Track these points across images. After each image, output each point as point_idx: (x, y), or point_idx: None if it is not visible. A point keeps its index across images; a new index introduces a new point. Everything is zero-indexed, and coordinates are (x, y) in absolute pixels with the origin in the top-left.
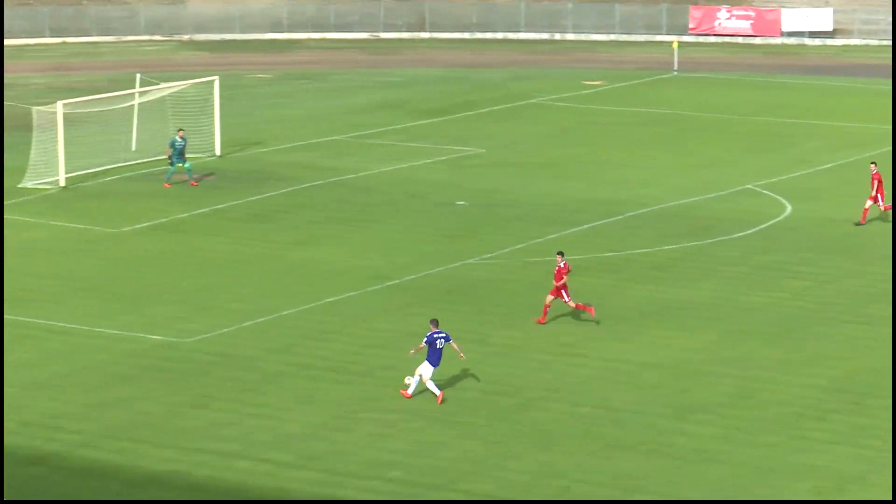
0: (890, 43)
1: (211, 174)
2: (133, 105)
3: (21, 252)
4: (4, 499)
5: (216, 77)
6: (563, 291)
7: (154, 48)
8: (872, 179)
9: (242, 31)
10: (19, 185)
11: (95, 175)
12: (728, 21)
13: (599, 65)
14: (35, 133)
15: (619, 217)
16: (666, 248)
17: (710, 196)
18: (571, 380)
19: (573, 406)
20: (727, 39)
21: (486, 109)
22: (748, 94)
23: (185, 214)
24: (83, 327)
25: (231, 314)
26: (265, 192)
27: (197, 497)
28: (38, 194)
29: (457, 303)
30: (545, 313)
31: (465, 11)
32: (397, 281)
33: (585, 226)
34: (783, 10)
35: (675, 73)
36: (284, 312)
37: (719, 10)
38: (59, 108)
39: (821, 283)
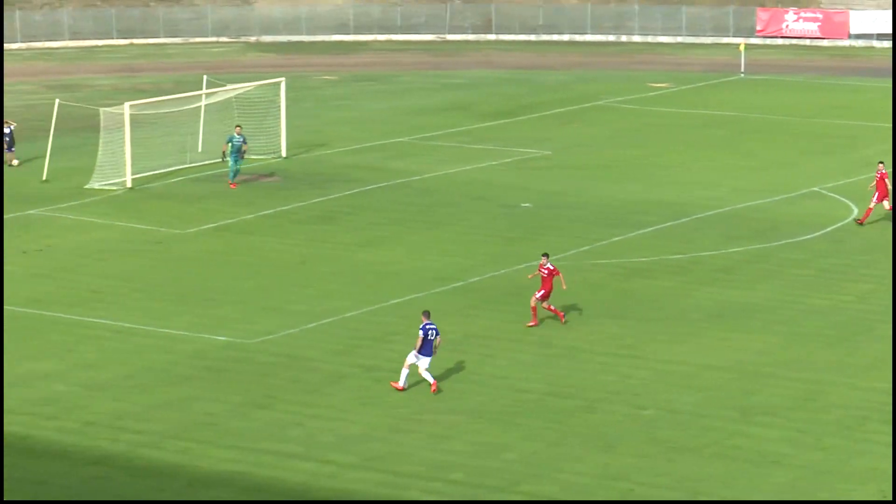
0: None
1: (272, 175)
2: (200, 106)
3: (86, 252)
4: (4, 499)
5: (282, 79)
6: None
7: (221, 50)
8: (881, 179)
9: (309, 33)
10: (86, 186)
11: (162, 176)
12: (796, 23)
13: (665, 67)
14: (102, 134)
15: (684, 219)
16: (731, 250)
17: (775, 198)
18: (633, 382)
19: (635, 408)
20: (794, 42)
21: (552, 111)
22: (814, 96)
23: (251, 216)
24: (147, 328)
25: (295, 315)
26: (330, 193)
27: (260, 498)
28: (105, 195)
29: (520, 304)
30: (534, 315)
31: (531, 13)
32: (461, 283)
33: (650, 228)
34: (851, 12)
35: (742, 75)
36: (348, 314)
37: (787, 12)
38: (126, 109)
39: (886, 287)
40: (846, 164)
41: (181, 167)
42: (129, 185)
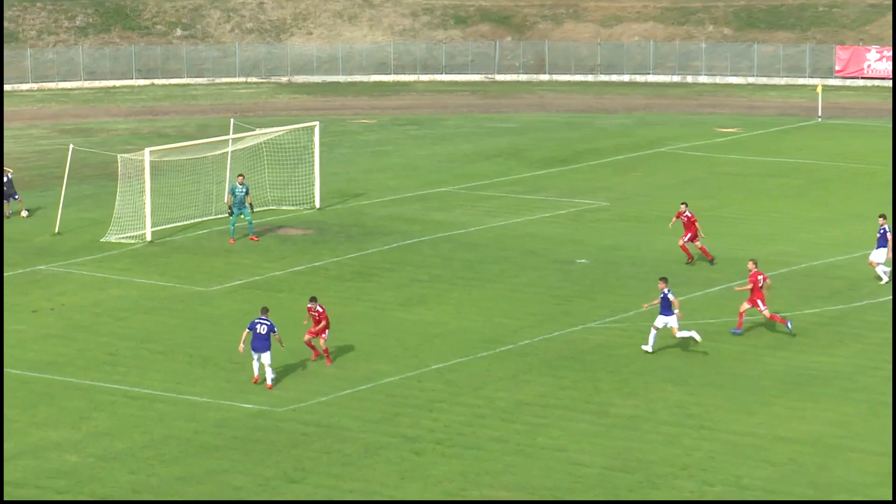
0: None
1: (283, 227)
2: (226, 153)
3: (102, 311)
4: (4, 499)
5: (316, 122)
6: None
7: (250, 91)
8: (686, 222)
9: (345, 73)
10: (102, 239)
11: (184, 229)
12: (878, 62)
13: (734, 110)
14: (120, 182)
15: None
16: (805, 311)
17: (854, 255)
18: (700, 455)
19: (703, 484)
20: (877, 83)
21: (611, 158)
22: None
23: (281, 272)
24: (167, 393)
25: (328, 380)
26: (367, 247)
27: None
28: (123, 249)
29: (574, 370)
30: None
31: (588, 52)
32: (510, 346)
33: (717, 287)
34: None
35: (819, 119)
36: (387, 379)
37: (868, 50)
38: (147, 155)
39: None
40: None
41: (206, 219)
42: (148, 238)
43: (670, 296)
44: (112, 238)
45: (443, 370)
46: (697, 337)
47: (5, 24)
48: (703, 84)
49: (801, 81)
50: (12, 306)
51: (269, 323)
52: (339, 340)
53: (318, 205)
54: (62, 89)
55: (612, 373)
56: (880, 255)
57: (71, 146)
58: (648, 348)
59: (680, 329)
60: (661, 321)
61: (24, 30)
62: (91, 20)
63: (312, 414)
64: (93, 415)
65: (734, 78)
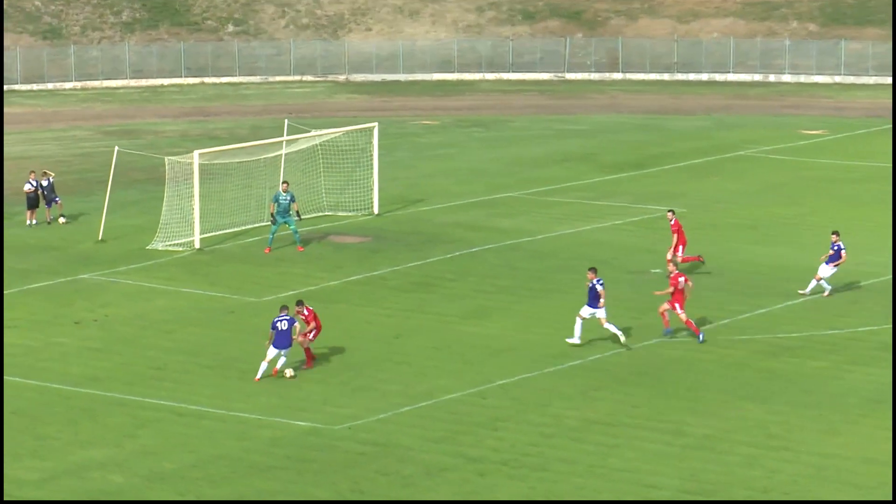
0: None
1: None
2: (280, 155)
3: (149, 323)
4: (4, 499)
5: (375, 123)
6: None
7: (305, 90)
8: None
9: (406, 71)
10: (148, 247)
11: (235, 236)
12: None
13: (820, 111)
14: (167, 187)
15: (840, 289)
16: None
17: None
18: (782, 478)
19: None
20: None
21: (687, 163)
22: None
23: (337, 282)
24: (217, 410)
25: (387, 396)
26: (428, 256)
27: None
28: (170, 257)
29: (647, 386)
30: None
31: (664, 49)
32: (579, 361)
33: (800, 299)
34: None
35: None
36: (448, 396)
37: None
38: (196, 158)
39: None
40: None
41: (257, 225)
42: (197, 245)
43: (598, 287)
44: (159, 246)
45: (508, 386)
46: (622, 337)
47: (48, 19)
48: (787, 83)
49: (890, 81)
50: (54, 318)
51: (289, 318)
52: (399, 354)
53: (376, 211)
54: (107, 88)
55: (687, 390)
56: (826, 271)
57: (116, 148)
58: (576, 340)
59: (607, 321)
60: (587, 311)
61: (68, 25)
62: (138, 15)
63: (369, 432)
64: (138, 432)
65: (820, 77)
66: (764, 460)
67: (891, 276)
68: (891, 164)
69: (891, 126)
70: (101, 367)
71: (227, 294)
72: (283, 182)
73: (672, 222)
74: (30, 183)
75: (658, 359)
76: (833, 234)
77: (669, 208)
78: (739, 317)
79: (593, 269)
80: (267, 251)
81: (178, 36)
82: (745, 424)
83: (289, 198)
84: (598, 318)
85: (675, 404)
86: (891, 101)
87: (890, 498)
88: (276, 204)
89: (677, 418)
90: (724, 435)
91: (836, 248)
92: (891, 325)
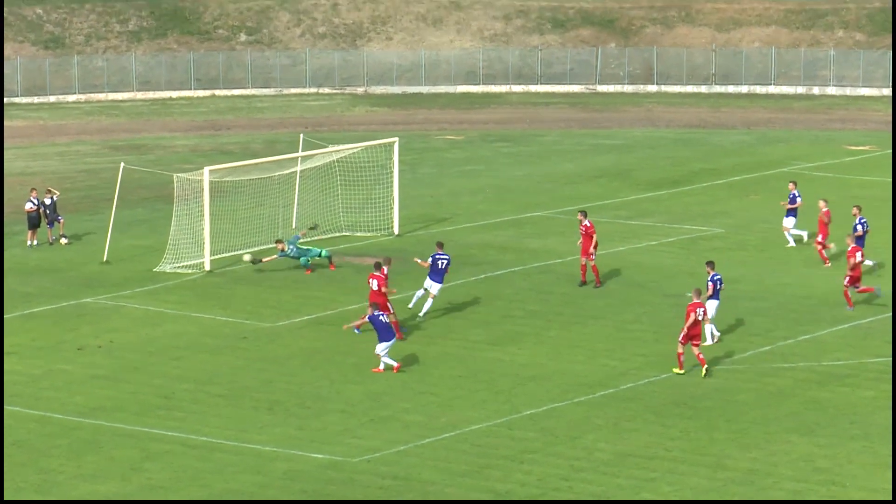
0: None
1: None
2: (295, 172)
3: (157, 350)
4: (4, 499)
5: (396, 138)
6: None
7: (322, 103)
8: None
9: (429, 83)
10: (156, 269)
11: None
12: None
13: (868, 125)
14: (176, 205)
15: (891, 314)
16: None
17: None
18: None
19: None
20: None
21: (727, 180)
22: None
23: (356, 305)
24: (229, 442)
25: (409, 427)
26: (453, 279)
27: None
28: (179, 280)
29: (686, 417)
30: None
31: (702, 59)
32: (612, 390)
33: (848, 324)
34: None
35: None
36: (474, 426)
37: None
38: (206, 175)
39: None
40: None
41: (271, 246)
42: (207, 267)
43: (428, 262)
44: (167, 267)
45: (536, 417)
46: (426, 304)
47: (50, 28)
48: (832, 96)
49: None
50: (56, 344)
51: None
52: (421, 383)
53: (396, 231)
54: (112, 101)
55: (728, 421)
56: (711, 307)
57: (122, 164)
58: (421, 313)
59: (434, 296)
60: (429, 283)
61: (71, 34)
62: (145, 24)
63: (390, 465)
64: (145, 465)
65: (867, 89)
66: (810, 495)
67: None
68: None
69: None
70: (107, 396)
71: (240, 319)
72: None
73: (584, 224)
74: (31, 201)
75: (696, 388)
76: (707, 264)
77: (581, 210)
78: (782, 343)
79: (440, 244)
80: (308, 272)
81: (188, 45)
82: (789, 458)
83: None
84: (430, 293)
85: (716, 436)
86: None
87: (889, 498)
88: (291, 246)
89: (718, 451)
90: (769, 469)
91: (713, 279)
92: None
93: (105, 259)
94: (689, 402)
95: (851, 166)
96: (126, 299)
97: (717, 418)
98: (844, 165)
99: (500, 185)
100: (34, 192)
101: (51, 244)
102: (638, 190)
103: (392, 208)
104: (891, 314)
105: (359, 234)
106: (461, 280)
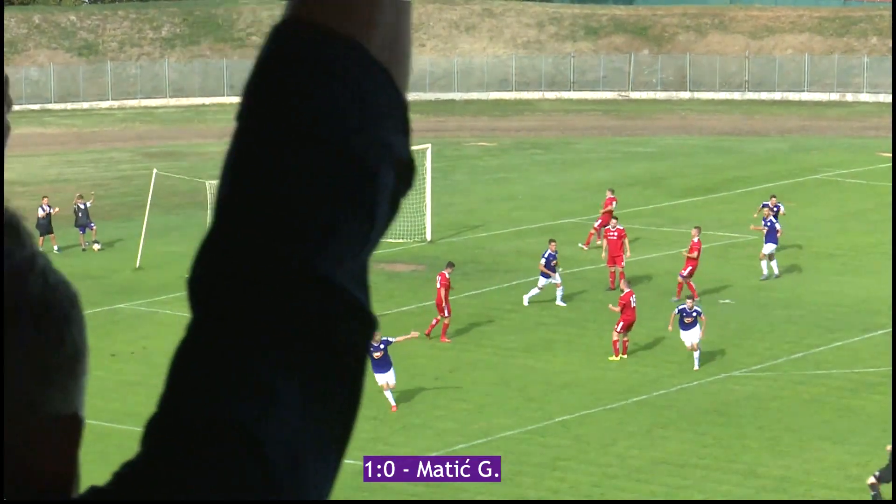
0: None
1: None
2: None
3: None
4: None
5: (428, 145)
6: None
7: None
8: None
9: (462, 90)
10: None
11: None
12: None
13: None
14: (209, 212)
15: None
16: None
17: None
18: None
19: None
20: None
21: (760, 187)
22: None
23: (388, 312)
24: None
25: (441, 435)
26: (486, 286)
27: None
28: None
29: (718, 424)
30: None
31: (735, 66)
32: (644, 396)
33: (881, 331)
34: None
35: None
36: (506, 433)
37: None
38: None
39: None
40: None
41: None
42: None
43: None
44: None
45: (569, 424)
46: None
47: (84, 35)
48: (866, 103)
49: None
50: (89, 350)
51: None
52: (454, 390)
53: (429, 237)
54: (146, 108)
55: (760, 428)
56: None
57: (155, 171)
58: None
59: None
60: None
61: (105, 41)
62: (179, 31)
63: None
64: None
65: None
66: None
67: None
68: None
69: None
70: (140, 402)
71: None
72: None
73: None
74: (42, 208)
75: (728, 395)
76: (687, 299)
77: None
78: (814, 350)
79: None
80: None
81: (221, 52)
82: (822, 466)
83: None
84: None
85: (748, 444)
86: None
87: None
88: None
89: (751, 459)
90: (802, 476)
91: (687, 311)
92: None
93: (138, 265)
94: (722, 410)
95: (886, 173)
96: (159, 305)
97: (749, 426)
98: (878, 172)
99: (532, 193)
100: (45, 199)
101: (83, 250)
102: (671, 197)
103: (424, 215)
104: None
105: (391, 240)
106: (495, 286)
